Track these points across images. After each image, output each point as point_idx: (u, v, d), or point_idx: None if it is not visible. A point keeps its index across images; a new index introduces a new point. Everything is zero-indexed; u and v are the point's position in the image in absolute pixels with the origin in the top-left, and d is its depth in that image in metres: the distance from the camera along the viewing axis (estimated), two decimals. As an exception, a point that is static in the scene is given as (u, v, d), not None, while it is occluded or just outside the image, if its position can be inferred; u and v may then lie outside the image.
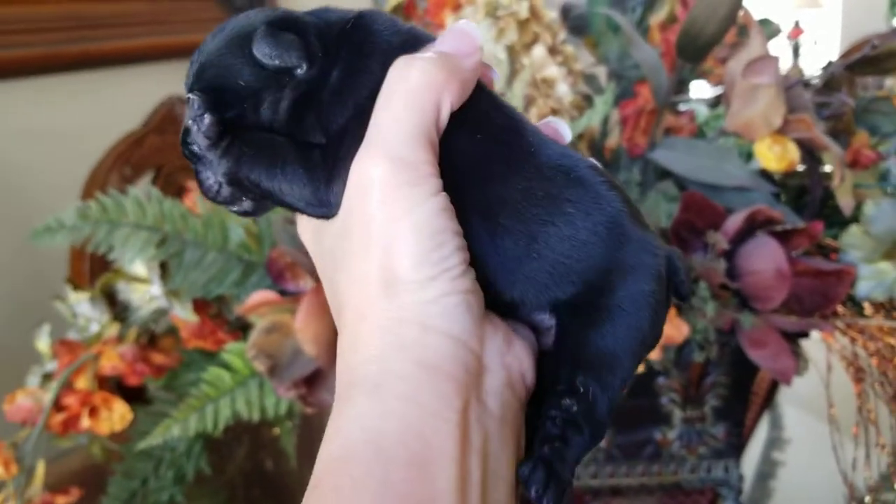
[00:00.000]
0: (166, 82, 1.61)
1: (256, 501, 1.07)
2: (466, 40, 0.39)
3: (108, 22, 1.66)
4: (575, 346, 0.38)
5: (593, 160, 0.40)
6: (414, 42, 0.39)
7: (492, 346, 0.37)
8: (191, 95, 0.37)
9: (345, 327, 0.37)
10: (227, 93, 0.37)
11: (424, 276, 0.35)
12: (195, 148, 0.37)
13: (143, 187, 1.35)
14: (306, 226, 0.41)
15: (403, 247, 0.35)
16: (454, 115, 0.37)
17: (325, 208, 0.38)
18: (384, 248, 0.35)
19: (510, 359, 0.38)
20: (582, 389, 0.37)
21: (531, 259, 0.38)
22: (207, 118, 0.36)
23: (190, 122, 0.37)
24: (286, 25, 0.37)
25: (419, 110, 0.36)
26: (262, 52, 0.36)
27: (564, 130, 0.43)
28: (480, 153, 0.38)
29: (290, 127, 0.38)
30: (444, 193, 0.36)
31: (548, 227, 0.37)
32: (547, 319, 0.39)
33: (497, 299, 0.38)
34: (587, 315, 0.38)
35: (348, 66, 0.38)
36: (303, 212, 0.39)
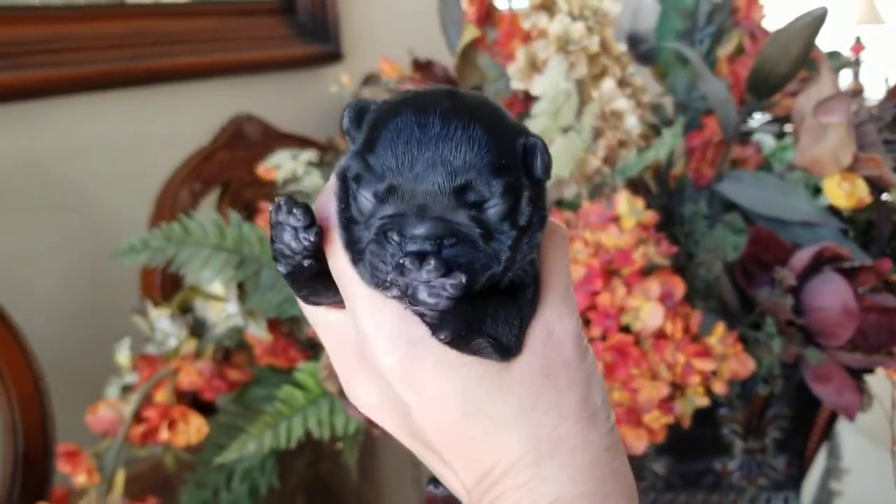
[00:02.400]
0: (232, 97, 1.66)
1: (318, 514, 1.09)
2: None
3: (176, 38, 1.70)
4: None
5: None
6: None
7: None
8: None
9: (535, 464, 0.39)
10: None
11: (607, 406, 0.41)
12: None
13: (211, 205, 1.40)
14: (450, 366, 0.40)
15: (598, 382, 0.41)
16: None
17: (512, 352, 0.39)
18: (586, 385, 0.40)
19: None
20: None
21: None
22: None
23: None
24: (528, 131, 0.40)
25: (568, 264, 0.43)
26: (538, 167, 0.39)
27: None
28: None
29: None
30: None
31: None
32: None
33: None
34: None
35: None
36: (489, 355, 0.39)
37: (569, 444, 0.39)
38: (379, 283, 0.36)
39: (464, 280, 0.34)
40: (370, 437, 0.99)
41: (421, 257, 0.34)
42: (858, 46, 2.65)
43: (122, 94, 1.54)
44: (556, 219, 0.43)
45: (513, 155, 0.37)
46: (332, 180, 0.40)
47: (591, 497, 0.39)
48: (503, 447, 0.39)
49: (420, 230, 0.35)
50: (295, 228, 0.38)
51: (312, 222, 0.38)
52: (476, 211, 0.36)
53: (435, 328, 0.36)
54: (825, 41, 1.19)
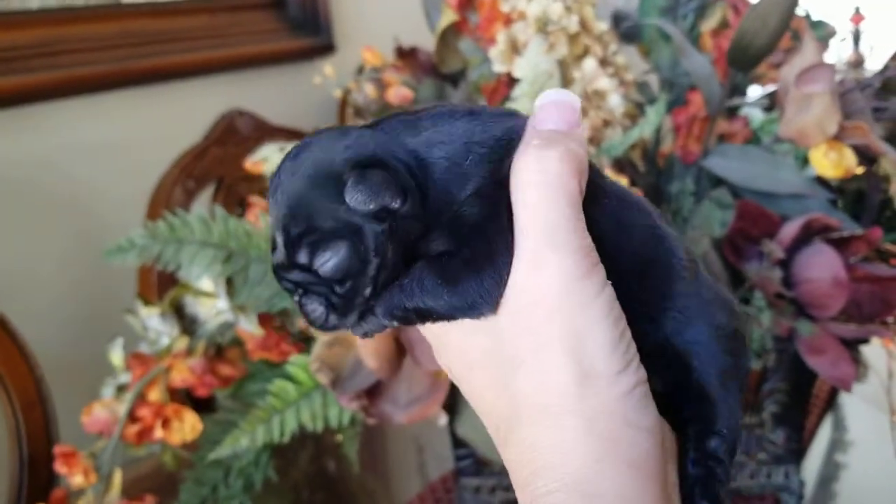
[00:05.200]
0: (227, 93, 1.66)
1: (321, 506, 1.09)
2: (570, 110, 0.38)
3: (169, 37, 1.70)
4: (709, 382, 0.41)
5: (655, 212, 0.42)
6: (512, 129, 0.39)
7: (667, 432, 0.38)
8: (281, 237, 0.37)
9: (528, 427, 0.36)
10: (326, 233, 0.36)
11: (616, 369, 0.35)
12: (299, 280, 0.37)
13: (206, 201, 1.40)
14: (446, 346, 0.39)
15: (596, 338, 0.35)
16: None
17: (480, 308, 0.37)
18: (575, 342, 0.35)
19: (669, 441, 0.38)
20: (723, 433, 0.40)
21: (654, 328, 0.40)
22: (330, 260, 0.36)
23: (283, 258, 0.37)
24: (369, 162, 0.37)
25: (570, 198, 0.36)
26: (357, 200, 0.36)
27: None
28: (607, 224, 0.39)
29: (396, 252, 0.37)
30: (608, 280, 0.36)
31: (686, 297, 0.41)
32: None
33: None
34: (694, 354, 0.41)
35: (452, 182, 0.37)
36: (453, 318, 0.37)
37: (551, 408, 0.35)
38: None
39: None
40: (372, 428, 1.00)
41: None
42: (858, 17, 2.63)
43: (118, 94, 1.54)
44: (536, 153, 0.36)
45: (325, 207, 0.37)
46: None
47: (592, 466, 0.34)
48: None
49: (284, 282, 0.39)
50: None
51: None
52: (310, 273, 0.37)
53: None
54: (826, 12, 1.18)
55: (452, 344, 0.39)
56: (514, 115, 0.40)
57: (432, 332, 0.40)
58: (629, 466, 0.34)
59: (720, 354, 0.41)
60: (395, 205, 0.36)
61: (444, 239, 0.37)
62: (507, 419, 0.37)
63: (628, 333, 0.36)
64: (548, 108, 0.38)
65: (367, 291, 0.37)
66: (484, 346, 0.37)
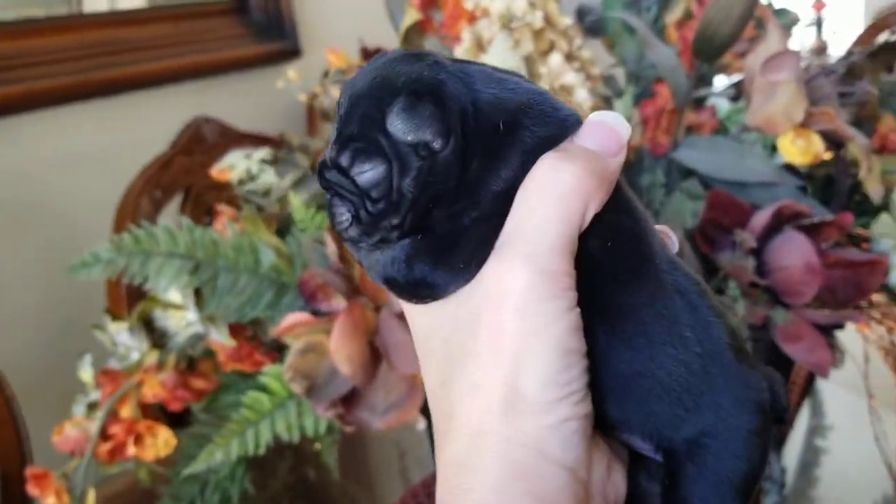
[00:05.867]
0: (192, 101, 1.64)
1: (302, 516, 1.08)
2: (613, 137, 0.37)
3: (131, 46, 1.68)
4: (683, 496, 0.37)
5: (697, 276, 0.38)
6: (557, 135, 0.37)
7: (596, 474, 0.36)
8: (335, 132, 0.36)
9: (454, 437, 0.35)
10: (372, 145, 0.35)
11: (549, 399, 0.34)
12: (334, 180, 0.36)
13: (173, 209, 1.38)
14: (420, 308, 0.38)
15: (534, 366, 0.33)
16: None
17: (434, 290, 0.36)
18: (513, 363, 0.34)
19: (609, 487, 0.37)
20: None
21: (644, 378, 0.36)
22: (368, 173, 0.35)
23: (333, 160, 0.36)
24: (428, 91, 0.35)
25: (568, 219, 0.34)
26: (396, 127, 0.34)
27: (675, 241, 0.40)
28: (609, 260, 0.37)
29: (426, 197, 0.36)
30: (577, 309, 0.35)
31: (666, 348, 0.36)
32: (647, 448, 0.38)
33: (603, 416, 0.37)
34: (693, 460, 0.37)
35: (487, 153, 0.36)
36: (412, 293, 0.37)
37: (474, 425, 0.34)
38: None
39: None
40: (352, 434, 0.99)
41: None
42: (820, 4, 2.66)
43: (83, 106, 1.52)
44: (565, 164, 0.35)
45: (375, 125, 0.35)
46: None
47: (494, 493, 0.33)
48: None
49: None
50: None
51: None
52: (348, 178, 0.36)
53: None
54: (789, 0, 1.19)
55: (416, 326, 0.39)
56: (573, 114, 0.38)
57: (405, 309, 0.40)
58: (536, 500, 0.33)
59: (752, 463, 0.37)
60: (436, 145, 0.34)
61: (443, 210, 0.36)
62: (445, 421, 0.37)
63: (580, 367, 0.34)
64: (591, 126, 0.37)
65: (394, 221, 0.35)
66: (442, 337, 0.37)
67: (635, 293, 0.36)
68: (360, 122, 0.35)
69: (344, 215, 0.36)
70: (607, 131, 0.37)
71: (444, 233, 0.36)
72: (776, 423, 0.38)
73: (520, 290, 0.34)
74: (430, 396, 0.38)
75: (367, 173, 0.35)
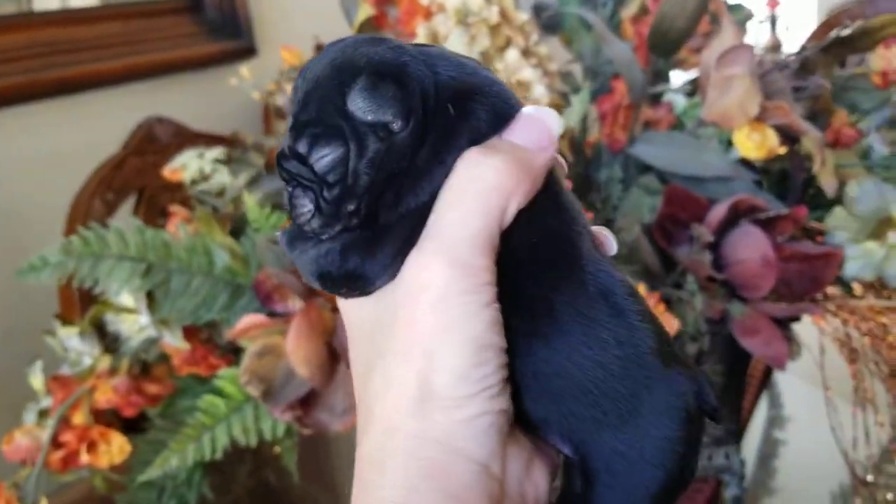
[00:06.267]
0: (145, 101, 1.61)
1: (262, 520, 1.07)
2: (543, 132, 0.36)
3: (81, 46, 1.65)
4: (608, 498, 0.37)
5: (629, 280, 0.38)
6: (503, 128, 0.36)
7: (513, 471, 0.35)
8: (291, 121, 0.36)
9: (370, 433, 0.35)
10: (330, 129, 0.35)
11: (462, 394, 0.33)
12: (293, 170, 0.35)
13: (126, 211, 1.36)
14: (352, 303, 0.38)
15: (447, 360, 0.33)
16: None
17: (355, 284, 0.36)
18: (427, 358, 0.33)
19: (528, 484, 0.36)
20: None
21: (561, 377, 0.35)
22: (327, 157, 0.34)
23: (291, 147, 0.35)
24: (391, 71, 0.34)
25: (487, 214, 0.34)
26: (357, 105, 0.34)
27: (612, 243, 0.40)
28: (532, 258, 0.36)
29: (381, 179, 0.35)
30: (496, 304, 0.34)
31: (583, 349, 0.35)
32: (567, 450, 0.37)
33: (523, 414, 0.36)
34: (609, 467, 0.36)
35: (440, 137, 0.35)
36: (337, 284, 0.37)
37: (387, 421, 0.34)
38: None
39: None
40: (313, 437, 0.97)
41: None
42: (773, 2, 2.70)
43: (32, 107, 1.49)
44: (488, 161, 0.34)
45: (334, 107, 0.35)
46: None
47: (402, 491, 0.33)
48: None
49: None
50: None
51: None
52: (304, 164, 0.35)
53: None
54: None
55: (347, 323, 0.38)
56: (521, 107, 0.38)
57: (339, 306, 0.39)
58: (446, 497, 0.33)
59: (672, 470, 0.36)
60: (396, 126, 0.34)
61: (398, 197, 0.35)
62: (364, 416, 0.36)
63: (495, 362, 0.34)
64: (521, 120, 0.36)
65: (352, 207, 0.35)
66: (366, 332, 0.37)
67: (556, 292, 0.36)
68: (319, 105, 0.35)
69: (306, 206, 0.35)
70: (537, 126, 0.36)
71: (382, 223, 0.35)
72: (711, 420, 0.38)
73: (436, 284, 0.33)
74: (356, 392, 0.38)
75: (326, 158, 0.34)
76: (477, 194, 0.34)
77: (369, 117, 0.34)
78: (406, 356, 0.34)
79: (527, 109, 0.37)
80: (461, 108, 0.36)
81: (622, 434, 0.36)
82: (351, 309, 0.38)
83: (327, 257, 0.36)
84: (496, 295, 0.34)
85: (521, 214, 0.35)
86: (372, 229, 0.35)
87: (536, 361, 0.36)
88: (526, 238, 0.36)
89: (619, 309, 0.36)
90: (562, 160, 0.39)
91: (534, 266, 0.36)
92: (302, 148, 0.35)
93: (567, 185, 0.40)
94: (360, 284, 0.36)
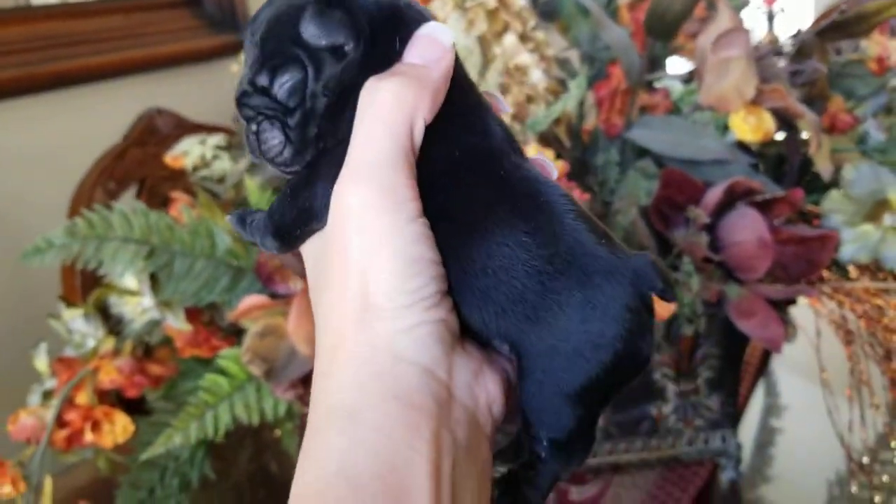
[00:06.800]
0: (145, 94, 1.62)
1: (263, 503, 1.07)
2: (434, 45, 0.38)
3: (82, 38, 1.65)
4: (535, 392, 0.37)
5: (559, 185, 0.39)
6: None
7: (461, 377, 0.37)
8: (248, 62, 0.37)
9: (322, 350, 0.37)
10: (288, 58, 0.36)
11: (399, 305, 0.35)
12: (257, 104, 0.37)
13: (127, 201, 1.36)
14: (307, 245, 0.40)
15: (379, 275, 0.35)
16: (429, 127, 0.37)
17: (308, 222, 0.38)
18: (361, 276, 0.35)
19: (478, 390, 0.37)
20: (544, 442, 0.38)
21: (487, 276, 0.36)
22: (288, 82, 0.36)
23: (246, 81, 0.37)
24: (335, 2, 0.36)
25: (393, 133, 0.36)
26: (310, 32, 0.36)
27: (551, 167, 0.42)
28: (454, 169, 0.38)
29: (340, 100, 0.37)
30: (423, 219, 0.36)
31: (504, 249, 0.36)
32: (506, 351, 0.38)
33: (465, 323, 0.38)
34: (539, 365, 0.37)
35: (383, 60, 0.37)
36: (291, 227, 0.39)
37: (335, 336, 0.36)
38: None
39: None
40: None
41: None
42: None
43: (32, 99, 1.49)
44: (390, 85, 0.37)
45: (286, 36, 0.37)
46: None
47: (350, 392, 0.34)
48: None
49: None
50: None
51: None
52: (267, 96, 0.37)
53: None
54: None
55: (305, 261, 0.40)
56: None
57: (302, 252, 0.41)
58: (394, 398, 0.34)
59: (615, 356, 0.36)
60: (348, 47, 0.36)
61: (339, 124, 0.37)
62: (318, 346, 0.38)
63: (428, 274, 0.36)
64: (414, 41, 0.38)
65: (315, 130, 0.37)
66: (312, 266, 0.39)
67: (479, 201, 0.37)
68: (275, 41, 0.36)
69: (276, 138, 0.37)
70: (428, 42, 0.38)
71: (322, 152, 0.38)
72: (662, 299, 0.38)
73: (356, 207, 0.35)
74: (315, 320, 0.40)
75: (287, 84, 0.36)
76: (377, 117, 0.36)
77: (323, 42, 0.36)
78: (343, 279, 0.36)
79: (420, 29, 0.38)
80: (400, 36, 0.38)
81: (554, 329, 0.36)
82: (305, 250, 0.40)
83: (276, 210, 0.38)
84: (421, 210, 0.36)
85: (436, 131, 0.37)
86: (320, 161, 0.37)
87: (465, 265, 0.37)
88: (445, 152, 0.37)
89: (545, 209, 0.37)
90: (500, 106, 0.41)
91: (457, 178, 0.38)
92: (264, 80, 0.36)
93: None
94: (311, 221, 0.38)
